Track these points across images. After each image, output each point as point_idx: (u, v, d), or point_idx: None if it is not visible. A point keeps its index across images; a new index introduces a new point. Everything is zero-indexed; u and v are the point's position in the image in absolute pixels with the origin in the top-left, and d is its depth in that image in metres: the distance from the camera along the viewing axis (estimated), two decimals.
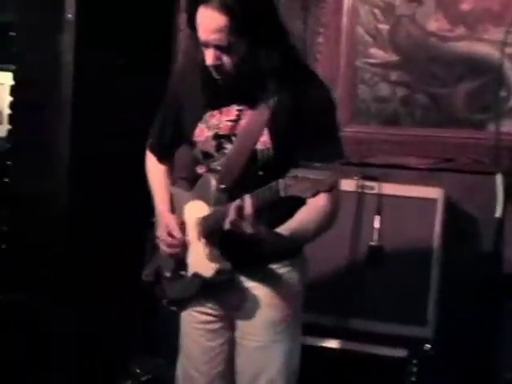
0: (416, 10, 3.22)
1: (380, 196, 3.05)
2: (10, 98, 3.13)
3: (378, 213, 3.04)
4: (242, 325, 2.26)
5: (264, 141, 2.11)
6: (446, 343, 3.01)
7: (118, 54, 3.12)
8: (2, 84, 4.07)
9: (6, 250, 3.12)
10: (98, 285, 3.09)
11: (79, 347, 3.11)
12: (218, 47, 2.01)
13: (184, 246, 2.23)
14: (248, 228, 1.94)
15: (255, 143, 2.11)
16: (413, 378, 2.87)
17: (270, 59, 2.05)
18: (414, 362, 2.89)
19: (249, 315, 2.22)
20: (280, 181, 1.84)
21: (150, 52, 3.28)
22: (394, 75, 3.27)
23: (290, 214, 2.11)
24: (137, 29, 3.19)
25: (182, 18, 3.47)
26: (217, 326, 2.31)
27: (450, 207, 3.07)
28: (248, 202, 1.93)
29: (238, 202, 1.96)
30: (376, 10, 3.27)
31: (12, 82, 3.12)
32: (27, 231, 3.07)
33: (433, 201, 2.98)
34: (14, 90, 3.11)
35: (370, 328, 3.00)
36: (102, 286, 3.11)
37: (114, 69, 3.10)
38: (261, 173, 2.09)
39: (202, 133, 2.19)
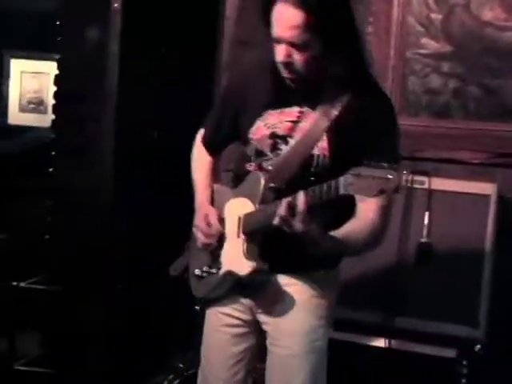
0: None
1: (430, 191, 3.00)
2: (54, 88, 3.16)
3: (428, 209, 2.99)
4: (273, 332, 2.22)
5: (323, 147, 2.09)
6: (497, 344, 2.96)
7: (164, 43, 3.14)
8: (47, 74, 4.12)
9: (49, 240, 3.16)
10: (141, 279, 3.10)
11: (120, 340, 3.13)
12: (291, 44, 2.00)
13: (220, 240, 2.22)
14: (298, 225, 1.91)
15: (312, 148, 2.09)
16: (463, 380, 2.84)
17: (340, 63, 2.04)
18: (464, 363, 2.86)
19: (282, 321, 2.18)
20: (341, 178, 1.80)
21: (196, 40, 3.28)
22: (445, 66, 3.24)
23: (338, 221, 2.07)
24: (182, 17, 3.20)
25: (229, 6, 3.48)
26: (243, 330, 2.27)
27: (504, 204, 3.02)
28: (301, 198, 1.90)
29: (290, 198, 1.93)
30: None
31: (56, 72, 3.14)
32: (71, 223, 3.10)
33: (485, 197, 2.94)
34: (58, 80, 3.14)
35: (417, 327, 2.96)
36: (144, 280, 3.12)
37: (160, 58, 3.11)
38: (313, 179, 2.04)
39: (259, 131, 2.17)
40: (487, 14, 3.17)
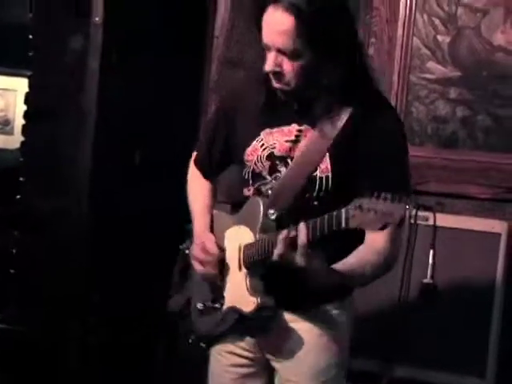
0: (481, 21, 3.21)
1: (435, 228, 3.02)
2: (24, 107, 3.13)
3: (433, 247, 3.01)
4: (282, 371, 2.23)
5: (325, 167, 2.09)
6: None
7: (147, 61, 3.13)
8: (14, 91, 4.11)
9: (14, 275, 3.12)
10: (123, 318, 3.08)
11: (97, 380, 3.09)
12: (280, 51, 2.01)
13: (221, 270, 2.22)
14: (300, 260, 1.90)
15: (314, 169, 2.09)
16: None
17: (336, 74, 2.03)
18: None
19: (291, 360, 2.19)
20: (342, 210, 1.81)
21: (181, 58, 3.29)
22: (453, 93, 3.26)
23: (343, 252, 2.07)
24: (168, 35, 3.21)
25: (218, 25, 3.51)
26: (252, 370, 2.28)
27: None
28: (303, 230, 1.90)
29: (290, 229, 1.93)
30: (436, 21, 3.25)
31: (27, 89, 3.12)
32: (40, 256, 3.06)
33: (495, 235, 2.96)
34: (29, 98, 3.12)
35: (419, 377, 2.96)
36: (126, 321, 3.11)
37: (142, 76, 3.10)
38: (316, 203, 2.07)
39: (255, 151, 2.18)
40: (499, 38, 3.18)
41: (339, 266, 2.03)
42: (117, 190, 3.05)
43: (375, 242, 2.06)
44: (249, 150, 2.19)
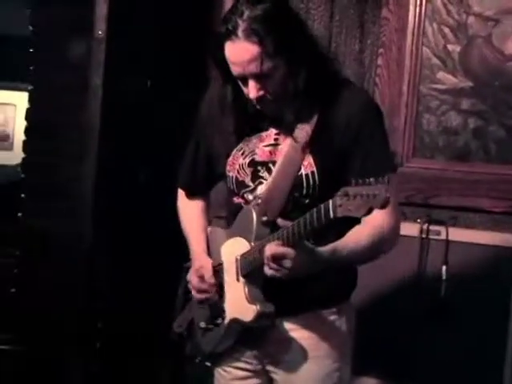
0: (492, 30, 3.25)
1: (447, 242, 3.09)
2: (25, 123, 3.21)
3: (445, 262, 3.08)
4: (283, 381, 2.33)
5: (308, 163, 2.21)
6: None
7: (151, 76, 3.23)
8: (14, 105, 4.21)
9: (15, 294, 3.20)
10: (123, 337, 3.14)
11: None
12: (256, 76, 2.12)
13: (218, 291, 2.33)
14: (288, 265, 2.03)
15: (299, 168, 2.21)
16: None
17: (305, 75, 2.15)
18: None
19: (291, 370, 2.30)
20: (330, 201, 1.91)
21: (185, 73, 3.37)
22: (465, 104, 3.30)
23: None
24: (171, 48, 3.30)
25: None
26: (254, 381, 2.40)
27: None
28: (269, 245, 2.05)
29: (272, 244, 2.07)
30: (446, 29, 3.30)
31: (27, 104, 3.21)
32: (41, 275, 3.13)
33: (510, 249, 3.02)
34: (30, 114, 3.20)
35: None
36: (127, 339, 3.16)
37: (146, 92, 3.20)
38: (307, 201, 2.19)
39: (237, 160, 2.30)
40: (510, 47, 3.23)
41: (328, 246, 2.12)
42: (120, 208, 3.12)
43: (372, 218, 2.10)
44: (230, 160, 2.31)
